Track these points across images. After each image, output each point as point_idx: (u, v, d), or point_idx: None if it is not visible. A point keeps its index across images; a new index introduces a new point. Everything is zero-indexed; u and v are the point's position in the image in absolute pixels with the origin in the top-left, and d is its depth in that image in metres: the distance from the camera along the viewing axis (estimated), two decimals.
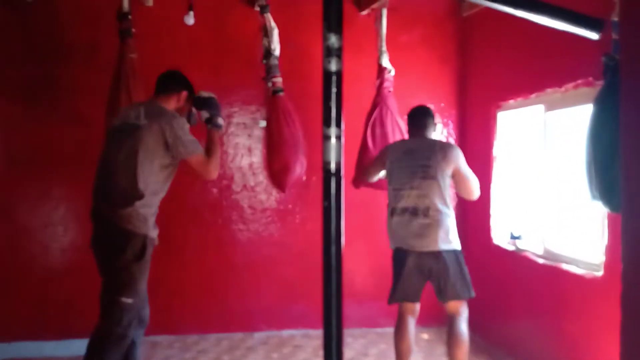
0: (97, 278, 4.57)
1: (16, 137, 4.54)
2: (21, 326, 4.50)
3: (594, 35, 2.02)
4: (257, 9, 4.12)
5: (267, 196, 4.88)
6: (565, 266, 3.58)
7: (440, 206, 3.46)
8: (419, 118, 3.72)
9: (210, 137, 3.31)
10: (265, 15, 4.01)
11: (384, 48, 4.24)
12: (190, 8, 4.24)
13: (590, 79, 3.31)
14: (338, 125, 1.31)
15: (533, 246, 4.02)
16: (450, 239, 3.48)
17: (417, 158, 3.52)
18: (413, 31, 4.95)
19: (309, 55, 4.85)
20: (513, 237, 4.24)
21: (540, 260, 3.83)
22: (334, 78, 1.30)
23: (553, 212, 3.89)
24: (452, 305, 3.51)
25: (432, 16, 4.99)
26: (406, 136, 4.00)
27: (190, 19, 4.23)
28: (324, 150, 1.33)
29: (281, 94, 4.02)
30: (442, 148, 3.55)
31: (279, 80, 4.01)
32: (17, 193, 4.53)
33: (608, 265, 3.19)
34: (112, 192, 3.02)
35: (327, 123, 1.30)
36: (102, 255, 3.10)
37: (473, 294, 3.54)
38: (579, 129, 3.33)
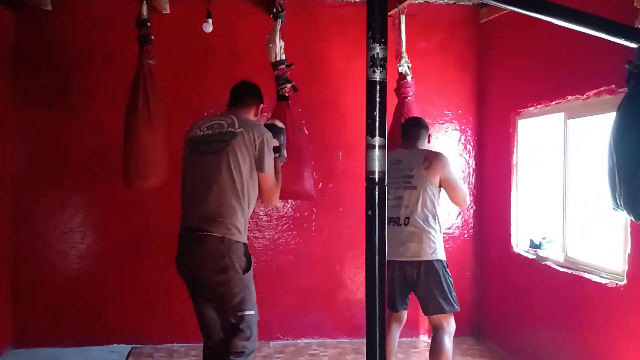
0: (116, 284, 4.63)
1: (35, 144, 4.57)
2: (40, 332, 4.52)
3: (632, 44, 2.01)
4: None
5: (283, 203, 4.86)
6: (587, 275, 3.53)
7: (423, 216, 3.47)
8: (411, 129, 3.73)
9: (275, 167, 3.23)
10: (275, 22, 3.91)
11: (404, 54, 4.23)
12: (208, 16, 4.26)
13: (613, 86, 3.28)
14: (382, 134, 1.29)
15: (554, 254, 3.98)
16: (433, 250, 3.46)
17: (402, 168, 3.53)
18: (431, 38, 4.94)
19: (323, 61, 4.85)
20: (533, 246, 4.20)
21: (562, 269, 3.79)
22: (378, 87, 1.29)
23: (574, 220, 3.85)
24: (435, 318, 3.48)
25: (449, 23, 4.97)
26: None
27: (209, 27, 4.25)
28: (368, 160, 1.32)
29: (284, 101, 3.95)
30: (427, 158, 3.54)
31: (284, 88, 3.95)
32: (36, 200, 4.56)
33: (631, 274, 3.15)
34: (216, 205, 2.95)
35: (371, 132, 1.29)
36: (208, 275, 2.95)
37: (457, 307, 3.49)
38: (600, 137, 3.30)
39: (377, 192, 1.30)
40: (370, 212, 1.30)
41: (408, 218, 3.48)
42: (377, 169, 1.30)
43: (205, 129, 3.12)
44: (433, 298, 3.44)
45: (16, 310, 4.50)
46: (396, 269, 3.50)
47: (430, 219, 3.50)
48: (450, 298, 3.46)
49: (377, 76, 1.28)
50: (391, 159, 3.53)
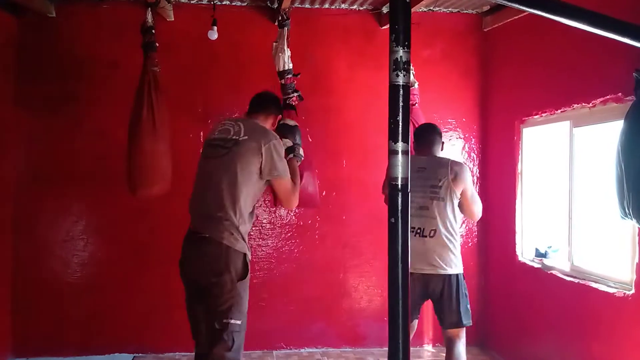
0: (117, 293, 4.59)
1: (38, 151, 4.54)
2: (40, 341, 4.47)
3: None
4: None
5: (287, 211, 4.83)
6: (594, 284, 3.51)
7: (449, 229, 3.42)
8: (426, 135, 3.64)
9: (291, 167, 3.20)
10: (281, 30, 3.89)
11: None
12: (214, 23, 4.25)
13: (620, 94, 3.28)
14: (405, 140, 1.26)
15: (560, 263, 3.96)
16: (454, 263, 3.43)
17: (428, 177, 3.44)
18: (435, 46, 4.94)
19: (327, 69, 4.84)
20: (539, 254, 4.18)
21: (568, 278, 3.76)
22: (401, 92, 1.26)
23: (581, 229, 3.83)
24: (452, 332, 3.47)
25: (453, 31, 4.97)
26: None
27: (214, 34, 4.24)
28: (390, 166, 1.29)
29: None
30: (453, 168, 3.45)
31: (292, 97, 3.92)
32: (38, 207, 4.53)
33: (639, 283, 3.13)
34: (214, 209, 2.92)
35: (394, 138, 1.26)
36: (203, 278, 2.91)
37: (471, 321, 3.48)
38: (607, 145, 3.29)
39: (400, 199, 1.27)
40: (393, 220, 1.26)
41: (434, 230, 3.39)
42: (400, 175, 1.26)
43: (217, 132, 3.11)
44: (456, 312, 3.41)
45: (16, 319, 4.45)
46: (416, 281, 3.40)
47: (453, 231, 3.45)
48: (468, 311, 3.45)
49: (401, 80, 1.25)
50: (413, 167, 3.42)
